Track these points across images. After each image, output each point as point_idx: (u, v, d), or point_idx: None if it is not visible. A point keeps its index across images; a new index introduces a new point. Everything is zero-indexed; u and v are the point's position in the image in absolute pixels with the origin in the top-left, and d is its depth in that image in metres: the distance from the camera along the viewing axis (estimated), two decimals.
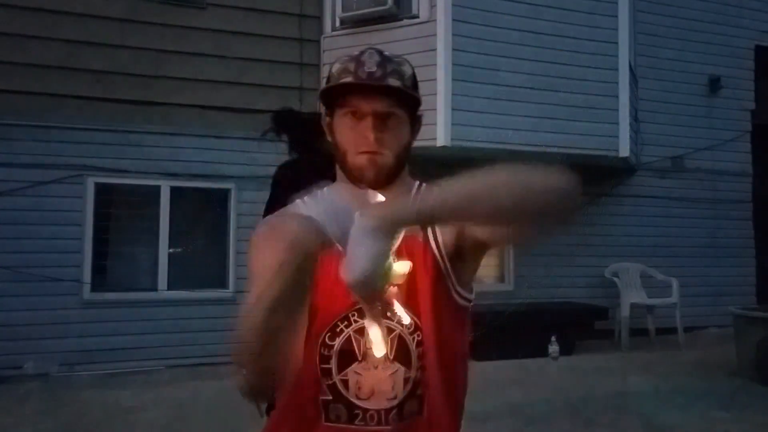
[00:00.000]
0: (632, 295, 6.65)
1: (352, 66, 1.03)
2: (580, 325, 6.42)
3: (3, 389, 4.74)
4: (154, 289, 5.64)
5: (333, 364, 1.03)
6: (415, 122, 1.09)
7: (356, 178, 1.05)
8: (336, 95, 1.05)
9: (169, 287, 5.67)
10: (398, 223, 0.86)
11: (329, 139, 1.10)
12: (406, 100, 1.05)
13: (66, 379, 5.07)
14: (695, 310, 7.08)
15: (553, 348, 5.83)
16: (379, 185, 1.02)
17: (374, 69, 1.01)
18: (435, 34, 5.70)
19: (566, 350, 5.96)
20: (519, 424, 3.98)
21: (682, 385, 4.95)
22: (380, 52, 1.04)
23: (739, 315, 5.44)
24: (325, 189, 1.12)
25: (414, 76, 1.08)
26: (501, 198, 0.87)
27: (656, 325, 6.79)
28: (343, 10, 6.12)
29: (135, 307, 5.56)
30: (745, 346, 5.18)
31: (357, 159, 1.03)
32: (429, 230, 1.06)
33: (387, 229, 0.85)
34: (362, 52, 1.04)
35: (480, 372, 4.96)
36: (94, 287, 5.49)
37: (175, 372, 5.29)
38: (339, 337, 1.03)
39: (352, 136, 1.04)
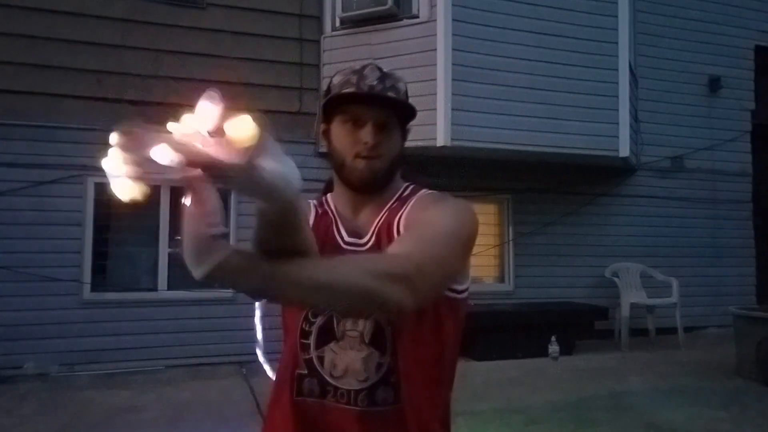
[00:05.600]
0: (632, 295, 6.65)
1: (354, 78, 1.10)
2: (580, 325, 6.42)
3: (3, 389, 4.74)
4: (154, 289, 5.64)
5: (312, 340, 1.08)
6: (404, 133, 1.17)
7: (352, 181, 1.11)
8: (337, 104, 1.12)
9: (169, 287, 5.67)
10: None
11: (325, 146, 1.18)
12: (401, 112, 1.13)
13: (66, 379, 5.07)
14: (695, 310, 7.09)
15: (553, 348, 5.83)
16: (373, 187, 1.11)
17: (375, 83, 1.09)
18: (435, 34, 5.70)
19: (566, 350, 5.96)
20: (519, 424, 3.98)
21: (682, 385, 4.95)
22: (380, 68, 1.12)
23: (739, 315, 5.43)
24: (322, 198, 1.22)
25: (407, 92, 1.16)
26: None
27: (656, 325, 6.80)
28: (343, 10, 6.12)
29: (135, 307, 5.56)
30: (745, 346, 5.18)
31: (355, 163, 1.10)
32: (401, 215, 1.10)
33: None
34: (364, 67, 1.12)
35: (480, 372, 4.99)
36: (94, 287, 5.49)
37: (175, 372, 5.29)
38: (321, 314, 1.08)
39: (351, 141, 1.10)
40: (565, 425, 4.00)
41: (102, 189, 5.63)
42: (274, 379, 1.19)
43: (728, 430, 3.93)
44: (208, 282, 0.73)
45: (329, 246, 1.10)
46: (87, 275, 5.46)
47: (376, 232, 1.10)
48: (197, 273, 0.71)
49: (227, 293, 5.78)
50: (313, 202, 1.20)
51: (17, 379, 4.96)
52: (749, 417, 4.16)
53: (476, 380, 4.74)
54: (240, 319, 5.64)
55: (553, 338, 5.85)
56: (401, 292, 0.83)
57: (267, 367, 4.48)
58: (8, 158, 5.31)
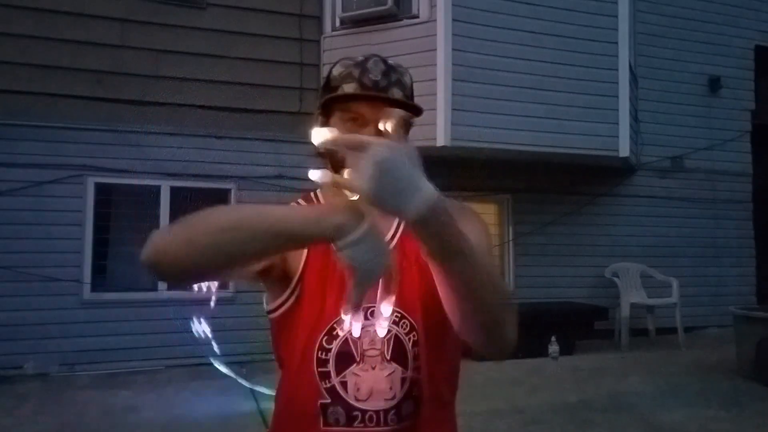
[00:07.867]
0: (632, 295, 6.65)
1: (357, 72, 1.03)
2: (580, 325, 6.42)
3: (3, 389, 4.74)
4: (154, 289, 5.63)
5: (331, 367, 1.03)
6: (408, 128, 1.10)
7: None
8: (339, 99, 1.05)
9: (169, 287, 5.66)
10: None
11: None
12: (406, 109, 1.06)
13: (66, 379, 5.07)
14: (695, 310, 7.08)
15: (553, 348, 5.83)
16: None
17: (379, 78, 1.02)
18: (435, 34, 5.70)
19: (566, 350, 5.96)
20: (519, 424, 3.98)
21: (682, 385, 4.95)
22: (384, 61, 1.05)
23: (739, 315, 5.43)
24: (316, 192, 1.15)
25: (413, 85, 1.09)
26: (485, 285, 0.92)
27: (656, 325, 6.80)
28: (343, 10, 6.13)
29: (135, 307, 5.56)
30: (745, 346, 5.18)
31: None
32: None
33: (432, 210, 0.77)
34: (367, 59, 1.04)
35: (480, 372, 4.98)
36: (94, 287, 5.49)
37: (175, 372, 5.29)
38: (336, 340, 1.03)
39: None
40: (565, 425, 4.00)
41: (102, 189, 5.63)
42: (273, 412, 1.13)
43: (728, 430, 3.93)
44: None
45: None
46: (87, 275, 5.46)
47: (398, 244, 1.06)
48: None
49: (227, 293, 5.78)
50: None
51: (17, 379, 4.96)
52: (749, 417, 4.16)
53: (477, 380, 4.74)
54: (240, 319, 5.64)
55: (553, 338, 5.85)
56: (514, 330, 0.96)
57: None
58: (8, 158, 5.30)
